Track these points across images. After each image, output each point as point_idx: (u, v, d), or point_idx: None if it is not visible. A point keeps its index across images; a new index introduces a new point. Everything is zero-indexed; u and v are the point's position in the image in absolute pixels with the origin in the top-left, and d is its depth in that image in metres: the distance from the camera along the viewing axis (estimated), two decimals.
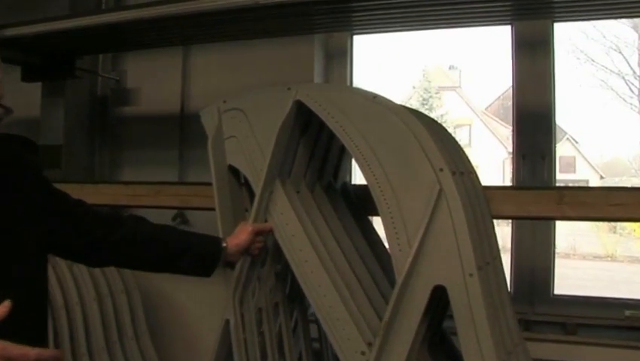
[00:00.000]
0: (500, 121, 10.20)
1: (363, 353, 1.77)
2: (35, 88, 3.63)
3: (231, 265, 1.95)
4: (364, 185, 2.57)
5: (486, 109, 10.58)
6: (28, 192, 1.45)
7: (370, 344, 1.78)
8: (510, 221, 3.20)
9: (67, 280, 2.83)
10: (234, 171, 2.10)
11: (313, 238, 1.90)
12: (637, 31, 6.22)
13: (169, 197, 2.82)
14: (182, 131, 3.70)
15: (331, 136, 2.13)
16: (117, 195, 2.98)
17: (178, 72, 3.74)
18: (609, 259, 8.13)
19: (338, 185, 2.29)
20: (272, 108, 1.97)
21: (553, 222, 3.13)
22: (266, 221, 1.96)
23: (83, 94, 3.82)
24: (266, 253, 2.05)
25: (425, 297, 1.69)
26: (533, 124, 3.10)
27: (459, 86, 10.40)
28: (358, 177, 3.37)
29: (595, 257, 8.21)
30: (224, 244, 1.86)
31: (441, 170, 1.73)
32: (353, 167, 3.19)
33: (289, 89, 1.97)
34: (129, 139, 3.88)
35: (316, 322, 2.33)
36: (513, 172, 3.17)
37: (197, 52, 3.73)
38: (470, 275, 1.66)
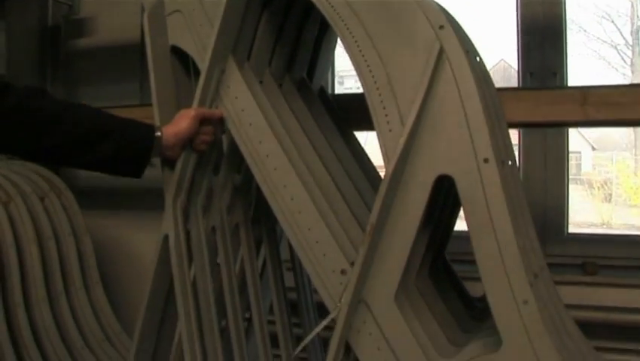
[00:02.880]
0: None
1: (343, 272, 1.34)
2: None
3: (170, 163, 1.51)
4: (349, 94, 2.15)
5: None
6: None
7: (353, 264, 1.35)
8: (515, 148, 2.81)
9: (0, 218, 2.39)
10: (183, 59, 1.66)
11: (277, 130, 1.46)
12: (630, 0, 5.96)
13: None
14: (143, 61, 3.25)
15: (305, 14, 1.70)
16: None
17: None
18: (605, 226, 7.92)
19: (314, 87, 1.86)
20: None
21: (567, 150, 2.73)
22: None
23: (31, 22, 3.38)
24: (219, 156, 1.62)
25: (425, 190, 1.26)
26: (541, 37, 2.69)
27: None
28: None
29: (590, 225, 7.98)
30: (159, 133, 1.42)
31: (442, 27, 1.29)
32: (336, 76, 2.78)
33: None
34: (85, 73, 3.44)
35: (291, 261, 1.92)
36: None
37: None
38: (485, 161, 1.23)
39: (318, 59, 1.86)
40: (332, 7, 1.37)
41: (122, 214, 3.12)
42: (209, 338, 1.55)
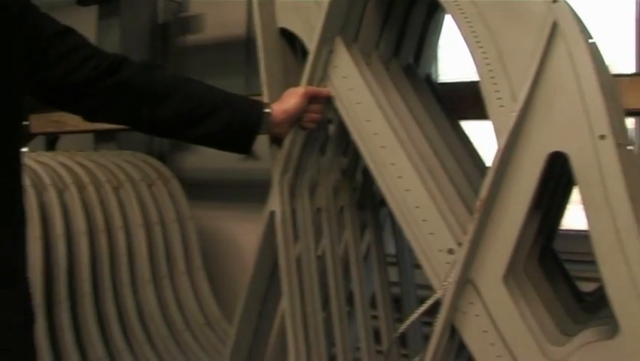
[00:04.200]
0: None
1: (450, 252, 1.31)
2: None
3: (278, 141, 1.53)
4: (456, 82, 2.11)
5: None
6: None
7: (460, 245, 1.32)
8: None
9: (111, 202, 2.50)
10: (290, 41, 1.68)
11: (385, 109, 1.46)
12: None
13: None
14: (248, 56, 3.32)
15: None
16: None
17: None
18: None
19: (421, 74, 1.84)
20: None
21: None
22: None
23: (143, 19, 3.52)
24: (326, 138, 1.62)
25: (537, 167, 1.22)
26: None
27: None
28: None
29: None
30: (267, 110, 1.44)
31: (555, 1, 1.25)
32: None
33: None
34: (192, 68, 3.56)
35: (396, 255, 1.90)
36: None
37: None
38: (602, 137, 1.18)
39: (424, 46, 1.84)
40: None
41: (226, 206, 3.20)
42: (312, 318, 1.56)
